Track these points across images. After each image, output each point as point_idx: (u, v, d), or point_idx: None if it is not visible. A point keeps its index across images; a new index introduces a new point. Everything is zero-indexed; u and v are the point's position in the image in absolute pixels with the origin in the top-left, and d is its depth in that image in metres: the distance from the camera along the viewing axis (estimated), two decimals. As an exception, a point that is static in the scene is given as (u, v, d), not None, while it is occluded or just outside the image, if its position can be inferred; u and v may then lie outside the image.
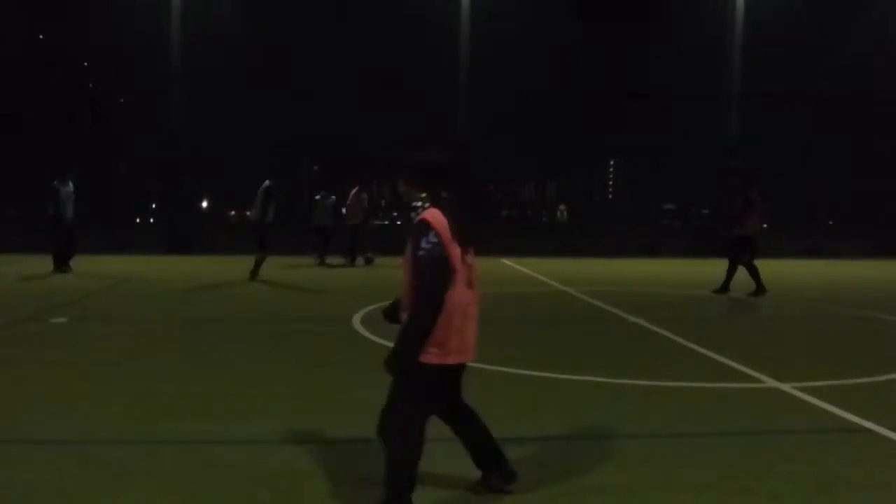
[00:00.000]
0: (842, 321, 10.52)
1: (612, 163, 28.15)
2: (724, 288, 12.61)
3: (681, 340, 8.38)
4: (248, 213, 13.41)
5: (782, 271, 17.18)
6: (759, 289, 12.31)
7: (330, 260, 17.92)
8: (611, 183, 29.19)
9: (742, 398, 6.03)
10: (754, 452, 4.65)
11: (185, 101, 20.69)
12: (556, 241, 23.46)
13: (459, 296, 3.36)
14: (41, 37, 21.85)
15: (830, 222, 26.17)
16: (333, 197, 18.29)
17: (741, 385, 6.42)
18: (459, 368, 3.57)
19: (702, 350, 7.83)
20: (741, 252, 12.36)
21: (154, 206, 23.88)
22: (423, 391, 3.43)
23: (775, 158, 22.76)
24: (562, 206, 26.33)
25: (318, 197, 17.75)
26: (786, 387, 6.26)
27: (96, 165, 21.67)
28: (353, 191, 17.81)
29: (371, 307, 10.38)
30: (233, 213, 26.71)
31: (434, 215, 3.35)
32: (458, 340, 3.39)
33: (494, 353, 7.22)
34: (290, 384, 6.18)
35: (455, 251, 3.35)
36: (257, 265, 13.68)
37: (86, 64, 22.64)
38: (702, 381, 6.51)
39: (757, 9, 22.02)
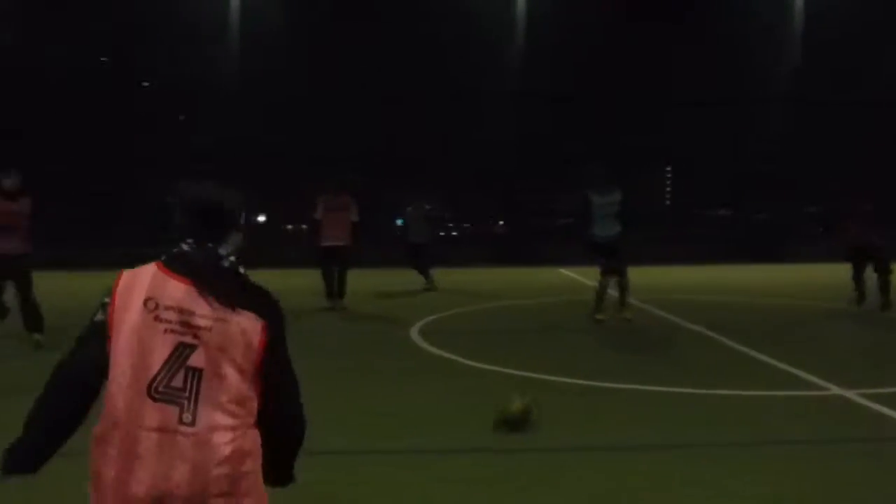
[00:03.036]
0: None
1: (668, 169, 27.76)
2: (886, 302, 11.21)
3: (741, 348, 8.24)
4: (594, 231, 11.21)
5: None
6: (860, 296, 11.32)
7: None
8: (668, 189, 28.78)
9: (806, 406, 5.95)
10: (819, 461, 4.59)
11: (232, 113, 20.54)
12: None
13: (127, 403, 1.89)
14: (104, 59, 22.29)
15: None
16: (428, 207, 15.50)
17: (805, 392, 6.32)
18: None
19: (763, 357, 7.70)
20: (852, 260, 11.41)
21: None
22: None
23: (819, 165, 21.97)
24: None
25: (409, 208, 14.88)
26: (850, 394, 6.13)
27: (124, 183, 21.47)
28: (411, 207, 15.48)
29: (429, 318, 10.46)
30: (289, 226, 27.02)
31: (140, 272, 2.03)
32: (117, 482, 1.87)
33: (549, 362, 7.23)
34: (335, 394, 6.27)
35: (131, 321, 1.92)
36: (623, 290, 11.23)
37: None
38: (763, 388, 6.41)
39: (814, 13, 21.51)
